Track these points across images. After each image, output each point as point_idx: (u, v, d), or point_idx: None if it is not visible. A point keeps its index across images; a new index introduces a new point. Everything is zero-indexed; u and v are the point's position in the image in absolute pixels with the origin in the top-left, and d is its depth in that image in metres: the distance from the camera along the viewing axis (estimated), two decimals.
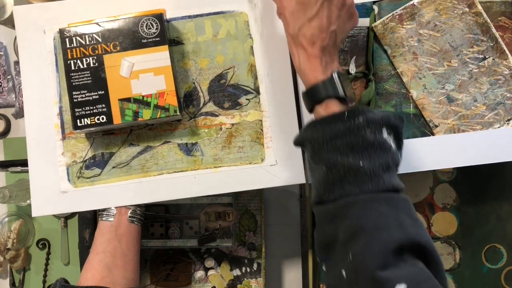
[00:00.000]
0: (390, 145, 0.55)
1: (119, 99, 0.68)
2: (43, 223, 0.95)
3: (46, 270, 0.95)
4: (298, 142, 0.60)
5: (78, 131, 0.68)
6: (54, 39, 0.72)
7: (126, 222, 0.70)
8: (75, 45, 0.68)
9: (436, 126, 0.75)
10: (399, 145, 0.58)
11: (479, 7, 0.73)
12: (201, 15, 0.73)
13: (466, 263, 0.85)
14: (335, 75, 0.58)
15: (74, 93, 0.67)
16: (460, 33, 0.74)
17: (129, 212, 0.71)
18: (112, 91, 0.67)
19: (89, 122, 0.67)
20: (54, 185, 0.72)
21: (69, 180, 0.72)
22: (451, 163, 0.73)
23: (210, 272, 0.87)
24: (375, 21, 0.76)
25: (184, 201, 0.85)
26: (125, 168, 0.72)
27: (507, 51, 0.73)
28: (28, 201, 0.94)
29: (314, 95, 0.58)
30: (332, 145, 0.55)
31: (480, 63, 0.74)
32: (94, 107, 0.67)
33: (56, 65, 0.72)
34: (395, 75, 0.76)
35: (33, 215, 0.71)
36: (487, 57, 0.74)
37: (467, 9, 0.74)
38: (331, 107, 0.57)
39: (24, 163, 0.95)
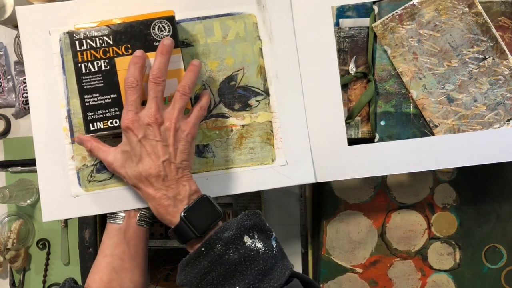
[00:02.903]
0: (257, 249, 0.58)
1: None
2: (43, 223, 0.95)
3: (46, 270, 0.95)
4: (181, 286, 0.62)
5: (91, 135, 0.67)
6: (60, 40, 0.71)
7: (135, 225, 0.70)
8: (85, 47, 0.67)
9: (436, 126, 0.75)
10: (268, 235, 0.60)
11: (479, 7, 0.73)
12: (209, 17, 0.72)
13: (466, 263, 0.85)
14: (183, 217, 0.59)
15: (86, 96, 0.67)
16: (460, 33, 0.74)
17: (138, 215, 0.70)
18: (124, 94, 0.66)
19: (102, 126, 0.66)
20: (65, 190, 0.71)
21: (80, 184, 0.71)
22: (451, 163, 0.73)
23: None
24: (375, 21, 0.76)
25: None
26: None
27: (507, 51, 0.73)
28: (28, 201, 0.94)
29: (178, 239, 0.61)
30: (206, 282, 0.57)
31: (480, 63, 0.74)
32: (107, 111, 0.66)
33: (63, 67, 0.71)
34: (395, 75, 0.76)
35: (44, 220, 0.70)
36: (487, 57, 0.74)
37: (467, 9, 0.74)
38: (194, 244, 0.60)
39: (24, 163, 0.95)
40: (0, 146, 0.97)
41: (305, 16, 0.73)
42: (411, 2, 0.74)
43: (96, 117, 0.67)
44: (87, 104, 0.66)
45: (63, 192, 0.71)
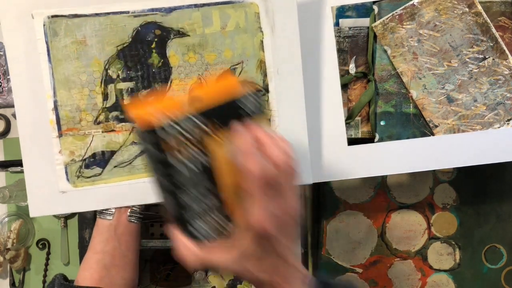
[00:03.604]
0: None
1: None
2: (43, 223, 0.95)
3: (46, 270, 0.95)
4: None
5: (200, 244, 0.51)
6: (44, 25, 0.66)
7: (126, 221, 0.69)
8: (171, 132, 0.48)
9: (436, 126, 0.75)
10: None
11: (479, 7, 0.73)
12: (208, 4, 0.67)
13: (466, 263, 0.85)
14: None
15: (179, 194, 0.50)
16: (460, 33, 0.74)
17: (128, 211, 0.69)
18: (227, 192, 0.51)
19: (209, 231, 0.51)
20: (52, 185, 0.68)
21: (68, 179, 0.68)
22: (451, 163, 0.73)
23: (210, 272, 0.87)
24: (375, 21, 0.76)
25: None
26: (128, 167, 0.70)
27: (507, 51, 0.73)
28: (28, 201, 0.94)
29: None
30: None
31: (480, 63, 0.74)
32: (211, 212, 0.51)
33: (48, 54, 0.66)
34: (395, 75, 0.76)
35: (31, 215, 0.68)
36: (487, 57, 0.74)
37: (467, 9, 0.74)
38: None
39: None
40: (0, 146, 0.97)
41: (305, 16, 0.73)
42: (411, 2, 0.74)
43: (199, 223, 0.51)
44: (182, 203, 0.50)
45: (50, 188, 0.68)
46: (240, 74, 0.69)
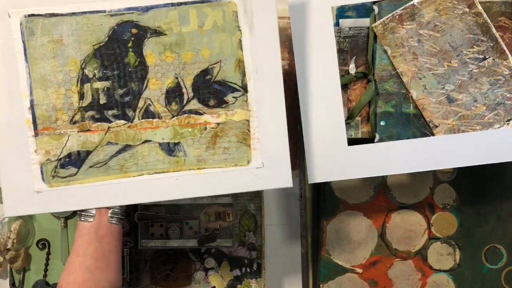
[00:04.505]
0: None
1: None
2: (43, 223, 0.95)
3: (46, 270, 0.95)
4: None
5: None
6: (21, 24, 0.66)
7: (107, 223, 0.68)
8: None
9: (436, 127, 0.75)
10: None
11: (479, 7, 0.73)
12: (185, 3, 0.67)
13: (466, 263, 0.85)
14: None
15: None
16: (460, 33, 0.74)
17: (109, 212, 0.68)
18: None
19: None
20: (28, 185, 0.67)
21: (43, 179, 0.68)
22: (451, 163, 0.73)
23: (210, 273, 0.87)
24: (375, 21, 0.76)
25: (184, 201, 0.84)
26: (103, 167, 0.68)
27: (507, 51, 0.73)
28: None
29: None
30: None
31: (480, 63, 0.74)
32: None
33: (25, 54, 0.66)
34: (395, 75, 0.76)
35: (6, 215, 0.68)
36: (487, 57, 0.74)
37: (467, 9, 0.74)
38: None
39: None
40: None
41: (305, 16, 0.73)
42: (411, 2, 0.74)
43: None
44: None
45: (26, 187, 0.67)
46: (218, 73, 0.68)
